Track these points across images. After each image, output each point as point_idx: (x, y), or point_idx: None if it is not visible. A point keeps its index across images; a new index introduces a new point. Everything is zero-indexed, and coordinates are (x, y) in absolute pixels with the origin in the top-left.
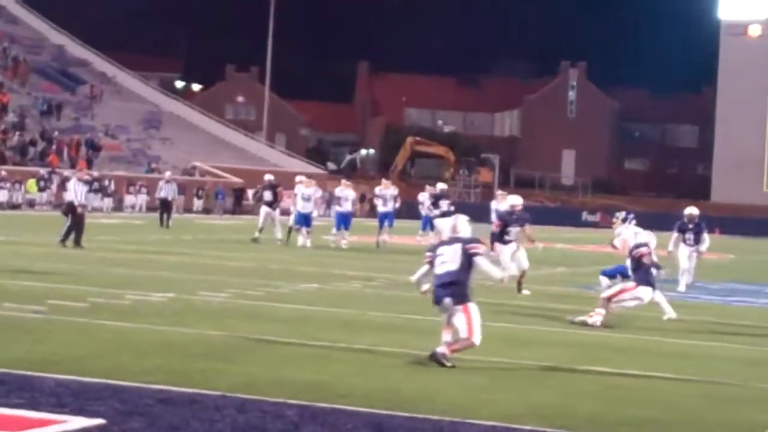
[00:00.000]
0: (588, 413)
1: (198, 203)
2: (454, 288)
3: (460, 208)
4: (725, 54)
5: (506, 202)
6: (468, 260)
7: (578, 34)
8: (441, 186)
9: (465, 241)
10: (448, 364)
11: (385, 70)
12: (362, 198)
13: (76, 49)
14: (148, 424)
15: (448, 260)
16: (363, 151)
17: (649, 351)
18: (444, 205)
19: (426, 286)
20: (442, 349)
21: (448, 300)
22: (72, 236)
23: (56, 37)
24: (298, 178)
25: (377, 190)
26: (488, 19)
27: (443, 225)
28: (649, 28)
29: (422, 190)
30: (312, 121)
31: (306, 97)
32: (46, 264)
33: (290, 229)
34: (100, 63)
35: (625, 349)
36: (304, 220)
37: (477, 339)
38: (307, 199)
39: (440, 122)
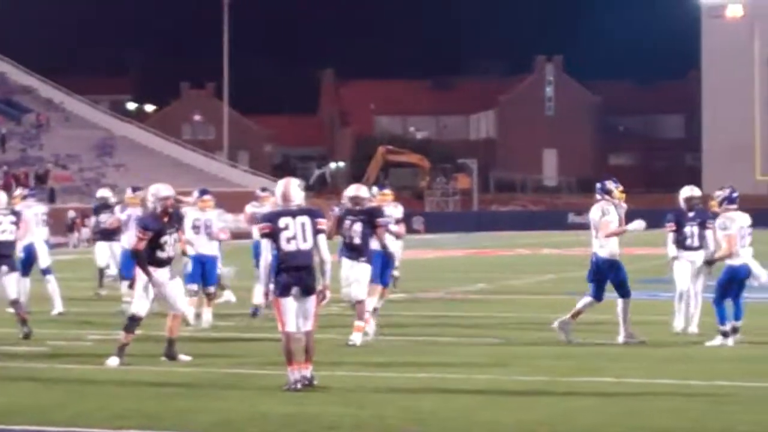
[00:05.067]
0: (587, 427)
1: None
2: (308, 273)
3: (439, 217)
4: (707, 37)
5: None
6: (315, 237)
7: (552, 26)
8: None
9: (313, 214)
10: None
11: (351, 77)
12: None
13: (18, 75)
14: None
15: (298, 236)
16: (332, 165)
17: (648, 357)
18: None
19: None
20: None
21: (296, 290)
22: None
23: None
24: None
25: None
26: (456, 17)
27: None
28: (626, 15)
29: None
30: (276, 135)
31: (268, 111)
32: None
33: None
34: (46, 89)
35: (623, 357)
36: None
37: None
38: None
39: (412, 129)
